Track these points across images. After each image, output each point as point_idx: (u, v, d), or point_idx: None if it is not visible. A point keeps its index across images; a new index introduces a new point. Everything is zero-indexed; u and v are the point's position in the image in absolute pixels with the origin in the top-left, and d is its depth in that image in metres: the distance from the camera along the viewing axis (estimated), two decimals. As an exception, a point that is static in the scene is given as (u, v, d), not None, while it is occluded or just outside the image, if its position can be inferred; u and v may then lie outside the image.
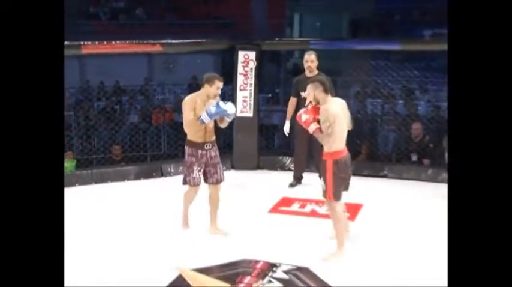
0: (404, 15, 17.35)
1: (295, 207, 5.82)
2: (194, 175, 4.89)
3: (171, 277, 4.10)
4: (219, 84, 4.76)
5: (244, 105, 7.18)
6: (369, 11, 17.66)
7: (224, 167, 7.15)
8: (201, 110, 4.69)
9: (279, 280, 4.12)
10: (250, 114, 7.21)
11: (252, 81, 7.16)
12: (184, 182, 4.98)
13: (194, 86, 12.04)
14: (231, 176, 7.01)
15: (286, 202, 5.92)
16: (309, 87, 4.44)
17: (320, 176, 4.53)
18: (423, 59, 12.44)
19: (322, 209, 5.72)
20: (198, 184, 4.95)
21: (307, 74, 6.15)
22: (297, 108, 5.92)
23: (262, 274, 4.21)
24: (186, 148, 4.87)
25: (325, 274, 4.18)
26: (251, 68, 7.17)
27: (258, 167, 7.33)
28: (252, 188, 6.50)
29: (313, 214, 5.66)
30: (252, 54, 7.15)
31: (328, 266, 4.30)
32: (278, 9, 17.34)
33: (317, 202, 5.86)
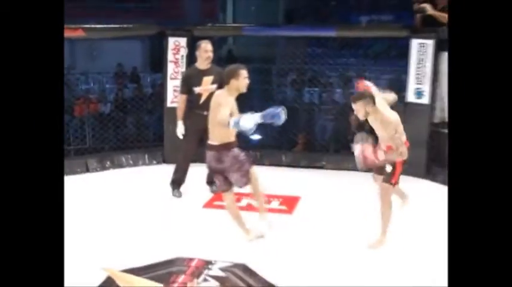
0: (340, 1, 17.61)
1: (230, 201, 5.82)
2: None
3: (100, 279, 4.04)
4: (245, 73, 4.56)
5: (175, 95, 7.09)
6: (304, -4, 17.81)
7: (154, 161, 7.20)
8: (233, 110, 4.56)
9: (215, 277, 4.14)
10: (181, 104, 7.14)
11: (183, 70, 7.09)
12: (247, 181, 4.73)
13: (120, 75, 11.88)
14: (163, 170, 6.96)
15: (220, 196, 5.91)
16: (359, 104, 4.44)
17: None
18: (360, 46, 12.67)
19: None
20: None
21: (201, 66, 5.80)
22: (189, 106, 5.78)
23: (197, 272, 4.20)
24: (234, 151, 4.65)
25: (262, 270, 4.22)
26: (182, 56, 7.10)
27: (191, 160, 7.28)
28: (186, 183, 6.46)
29: (249, 208, 5.67)
30: (182, 41, 7.09)
31: (266, 262, 4.34)
32: (210, -8, 17.26)
33: (252, 196, 5.88)
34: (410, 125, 6.69)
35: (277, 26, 12.33)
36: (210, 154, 4.66)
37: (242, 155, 4.63)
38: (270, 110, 4.29)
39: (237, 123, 4.29)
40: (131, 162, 7.14)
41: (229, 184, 4.72)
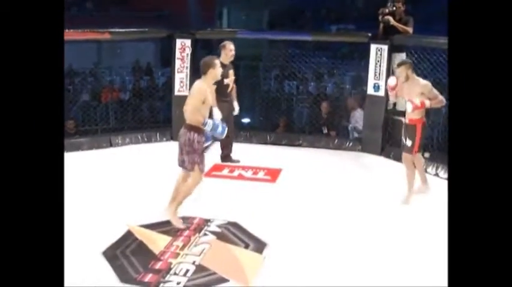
0: (314, 12, 17.56)
1: (225, 172, 5.80)
2: (204, 162, 4.21)
3: (122, 232, 4.02)
4: (219, 63, 4.25)
5: (181, 85, 7.05)
6: (285, 8, 17.76)
7: (164, 139, 7.14)
8: (210, 96, 4.16)
9: (213, 232, 4.13)
10: (186, 93, 6.97)
11: (188, 65, 7.03)
12: (191, 169, 4.13)
13: (137, 69, 11.74)
14: (171, 146, 6.89)
15: (217, 168, 5.89)
16: (402, 68, 4.68)
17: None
18: (330, 49, 12.60)
19: (248, 173, 5.74)
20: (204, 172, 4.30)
21: (226, 61, 5.64)
22: (218, 94, 5.42)
23: (199, 228, 4.19)
24: (193, 134, 4.05)
25: (251, 226, 4.21)
26: (187, 54, 7.03)
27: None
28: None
29: (240, 177, 5.67)
30: (188, 42, 7.00)
31: (254, 221, 4.32)
32: (210, 3, 17.18)
33: (243, 168, 5.87)
34: (370, 113, 6.74)
35: (265, 31, 12.21)
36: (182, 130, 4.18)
37: (198, 145, 4.07)
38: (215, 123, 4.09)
39: (212, 128, 4.05)
40: (145, 139, 7.07)
41: (181, 161, 4.17)
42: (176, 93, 7.05)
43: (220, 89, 5.56)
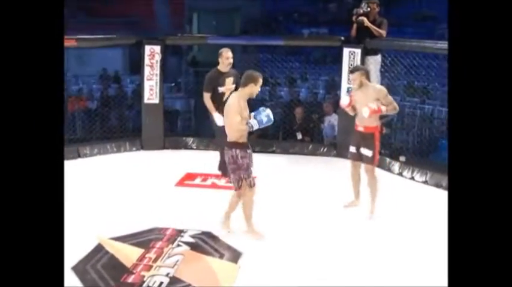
0: (286, 17, 17.68)
1: (198, 181, 5.80)
2: (253, 175, 4.20)
3: (92, 245, 4.00)
4: (261, 81, 4.14)
5: (151, 93, 7.03)
6: (257, 12, 17.84)
7: (134, 148, 7.11)
8: (245, 111, 4.12)
9: (187, 243, 4.13)
10: (156, 101, 7.07)
11: (158, 72, 7.02)
12: (239, 186, 4.19)
13: (105, 77, 11.65)
14: (141, 155, 6.91)
15: (190, 176, 5.89)
16: (356, 74, 4.59)
17: (359, 148, 4.71)
18: (302, 53, 12.72)
19: (221, 182, 5.75)
20: (255, 185, 4.27)
21: (223, 69, 5.61)
22: (213, 101, 5.55)
23: (172, 239, 4.19)
24: (235, 151, 4.09)
25: (225, 236, 4.24)
26: (156, 61, 7.01)
27: (164, 147, 7.22)
28: (160, 166, 6.41)
29: (213, 186, 5.67)
30: (157, 48, 7.00)
31: (227, 230, 4.34)
32: (178, 9, 17.13)
33: (216, 176, 5.88)
34: (344, 118, 6.81)
35: (235, 36, 12.27)
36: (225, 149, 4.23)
37: (242, 160, 4.12)
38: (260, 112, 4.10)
39: (260, 123, 4.06)
40: (115, 149, 7.02)
41: (231, 181, 4.28)
42: (146, 101, 7.04)
43: (216, 97, 5.57)
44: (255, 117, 4.08)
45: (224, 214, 4.37)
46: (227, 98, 5.53)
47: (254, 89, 4.08)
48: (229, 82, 5.64)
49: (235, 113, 4.03)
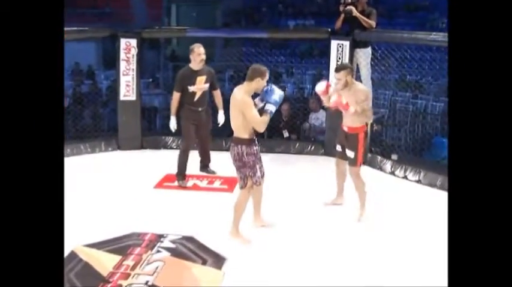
0: (270, 8, 17.69)
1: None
2: (259, 174, 4.23)
3: (65, 253, 3.93)
4: (267, 76, 4.15)
5: (127, 89, 6.98)
6: (239, 3, 17.82)
7: (110, 148, 7.05)
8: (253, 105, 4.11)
9: (167, 249, 4.11)
10: (133, 97, 7.02)
11: (134, 67, 6.97)
12: (244, 185, 4.24)
13: (77, 72, 11.55)
14: (118, 155, 6.86)
15: (169, 178, 5.86)
16: (342, 73, 4.55)
17: (343, 147, 4.74)
18: (288, 46, 12.75)
19: (203, 183, 5.74)
20: (261, 183, 4.33)
21: (195, 67, 5.56)
22: (182, 103, 5.55)
23: (151, 244, 4.16)
24: (241, 147, 4.11)
25: (208, 240, 4.22)
26: (133, 55, 6.97)
27: (142, 147, 7.19)
28: (138, 167, 6.38)
29: (195, 187, 5.66)
30: (133, 42, 6.95)
31: (211, 234, 4.32)
32: (156, 0, 17.06)
33: (198, 177, 5.86)
34: (332, 114, 6.82)
35: (217, 28, 12.28)
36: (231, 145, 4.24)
37: (247, 157, 4.14)
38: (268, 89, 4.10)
39: (275, 103, 4.04)
40: (89, 149, 6.96)
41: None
42: (122, 98, 6.99)
43: (187, 97, 5.54)
44: (267, 101, 4.07)
45: (254, 215, 4.48)
46: (199, 98, 5.57)
47: (260, 84, 4.09)
48: (201, 81, 5.60)
49: (251, 108, 4.02)
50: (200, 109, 5.64)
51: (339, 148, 4.86)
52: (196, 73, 5.56)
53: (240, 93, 4.08)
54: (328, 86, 4.74)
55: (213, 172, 6.04)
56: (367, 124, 4.83)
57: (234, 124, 4.13)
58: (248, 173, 4.18)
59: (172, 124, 5.64)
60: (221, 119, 5.84)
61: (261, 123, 4.06)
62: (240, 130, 4.11)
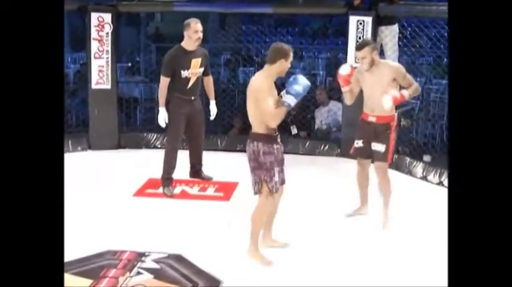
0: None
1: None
2: (276, 179, 4.16)
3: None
4: (291, 57, 4.17)
5: (100, 75, 6.99)
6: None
7: (79, 148, 7.06)
8: (274, 92, 4.13)
9: (149, 270, 4.10)
10: (107, 86, 7.04)
11: (109, 48, 6.98)
12: (259, 191, 4.19)
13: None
14: (89, 156, 6.87)
15: (153, 183, 5.86)
16: (365, 51, 4.62)
17: (368, 142, 4.80)
18: (297, 24, 12.77)
19: (194, 190, 5.74)
20: (278, 191, 4.26)
21: (189, 47, 5.52)
22: (171, 89, 5.50)
23: (130, 265, 4.16)
24: (257, 145, 4.11)
25: (199, 260, 4.21)
26: (107, 33, 6.97)
27: (119, 146, 7.20)
28: (114, 170, 6.39)
29: (184, 195, 5.66)
30: (107, 17, 6.95)
31: (203, 252, 4.32)
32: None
33: (187, 183, 5.87)
34: (350, 107, 6.81)
35: (211, 1, 12.30)
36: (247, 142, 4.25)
37: (264, 157, 4.13)
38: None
39: (297, 94, 4.07)
40: (53, 149, 6.97)
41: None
42: (94, 86, 7.01)
43: (178, 83, 5.50)
44: (287, 91, 4.09)
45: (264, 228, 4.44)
46: (192, 85, 5.56)
47: (284, 66, 4.11)
48: (197, 64, 5.58)
49: (267, 95, 4.03)
50: (193, 98, 5.63)
51: (359, 144, 4.87)
52: (190, 54, 5.53)
53: (259, 79, 4.11)
54: (353, 70, 4.77)
55: (209, 178, 6.03)
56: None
57: (250, 117, 4.17)
58: (263, 177, 4.15)
59: (163, 118, 5.58)
60: (213, 110, 5.86)
61: (272, 116, 4.04)
62: (256, 124, 4.13)
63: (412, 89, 4.66)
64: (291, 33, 11.78)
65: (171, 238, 4.59)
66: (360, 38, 6.62)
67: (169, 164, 5.67)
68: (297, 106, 7.48)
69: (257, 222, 4.26)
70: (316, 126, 7.56)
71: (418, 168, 6.25)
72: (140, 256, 4.28)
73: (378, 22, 6.61)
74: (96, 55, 6.98)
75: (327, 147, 7.08)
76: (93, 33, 6.94)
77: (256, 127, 4.12)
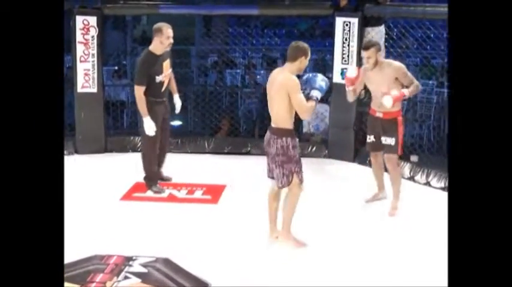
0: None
1: (150, 193, 5.75)
2: (303, 170, 4.44)
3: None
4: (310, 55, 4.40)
5: (86, 79, 6.98)
6: (223, -28, 17.83)
7: (65, 152, 7.02)
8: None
9: (137, 274, 4.09)
10: (93, 89, 7.03)
11: (95, 52, 6.97)
12: (289, 182, 4.37)
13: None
14: (75, 160, 6.84)
15: (140, 187, 5.85)
16: (371, 51, 4.91)
17: (378, 136, 5.14)
18: (284, 25, 12.78)
19: (181, 193, 5.73)
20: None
21: (158, 51, 5.51)
22: (147, 95, 5.44)
23: (117, 269, 4.15)
24: (286, 140, 4.30)
25: (187, 263, 4.20)
26: (92, 36, 6.96)
27: (105, 149, 7.18)
28: (101, 174, 6.36)
29: (171, 199, 5.65)
30: (92, 20, 6.94)
31: (191, 255, 4.32)
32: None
33: (175, 186, 5.86)
34: (338, 107, 6.84)
35: (197, 4, 12.29)
36: (266, 135, 4.44)
37: (293, 151, 4.33)
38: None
39: (321, 89, 4.29)
40: (40, 153, 6.95)
41: (271, 177, 4.50)
42: (80, 89, 7.00)
43: (153, 88, 5.49)
44: (312, 87, 4.29)
45: (269, 224, 4.64)
46: (165, 88, 5.60)
47: (304, 64, 4.34)
48: (167, 67, 5.64)
49: (299, 90, 4.23)
50: (164, 99, 5.72)
51: (371, 139, 5.24)
52: (161, 58, 5.55)
53: (285, 75, 4.27)
54: (359, 73, 5.08)
55: (168, 179, 6.04)
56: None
57: (277, 112, 4.31)
58: (294, 169, 4.34)
59: (151, 127, 5.48)
60: (178, 103, 5.95)
61: (307, 109, 4.25)
62: (283, 119, 4.29)
63: (413, 87, 4.95)
64: (278, 34, 11.77)
65: (159, 242, 4.58)
66: (346, 39, 6.65)
67: (151, 165, 5.73)
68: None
69: (292, 210, 4.47)
70: (304, 129, 7.56)
71: (405, 168, 6.26)
72: (128, 260, 4.27)
73: (365, 23, 6.63)
74: (82, 58, 6.96)
75: (314, 148, 7.08)
76: (79, 37, 6.92)
77: (283, 123, 4.30)
